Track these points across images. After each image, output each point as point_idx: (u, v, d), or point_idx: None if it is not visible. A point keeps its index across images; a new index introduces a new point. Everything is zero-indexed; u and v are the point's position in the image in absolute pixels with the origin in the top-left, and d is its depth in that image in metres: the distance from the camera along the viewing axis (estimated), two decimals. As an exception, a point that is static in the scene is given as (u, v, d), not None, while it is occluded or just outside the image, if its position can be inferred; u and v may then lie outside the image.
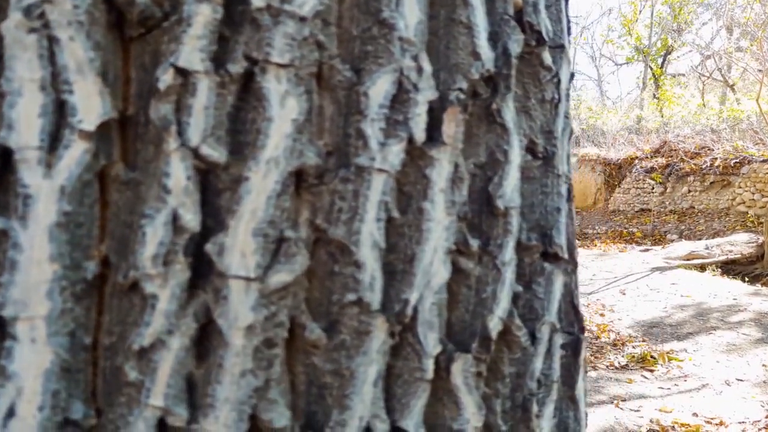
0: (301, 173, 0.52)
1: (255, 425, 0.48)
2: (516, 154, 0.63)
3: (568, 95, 0.74)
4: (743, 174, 11.93)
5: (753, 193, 11.66)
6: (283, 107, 0.50)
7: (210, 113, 0.49)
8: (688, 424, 4.20)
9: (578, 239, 13.10)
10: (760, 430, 4.16)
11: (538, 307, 0.64)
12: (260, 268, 0.49)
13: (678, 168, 13.17)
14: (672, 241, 11.53)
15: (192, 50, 0.49)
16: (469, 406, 0.56)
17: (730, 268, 9.28)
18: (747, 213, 11.61)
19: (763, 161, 11.57)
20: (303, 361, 0.51)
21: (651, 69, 21.91)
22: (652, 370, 5.27)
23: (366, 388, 0.51)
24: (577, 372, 0.69)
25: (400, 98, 0.56)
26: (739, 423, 4.27)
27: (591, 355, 5.60)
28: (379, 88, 0.54)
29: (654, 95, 20.29)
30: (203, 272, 0.49)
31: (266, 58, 0.50)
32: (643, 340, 6.01)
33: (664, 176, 13.38)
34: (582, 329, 0.71)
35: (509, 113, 0.63)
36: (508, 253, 0.61)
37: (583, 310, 7.12)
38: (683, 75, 23.08)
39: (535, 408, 0.61)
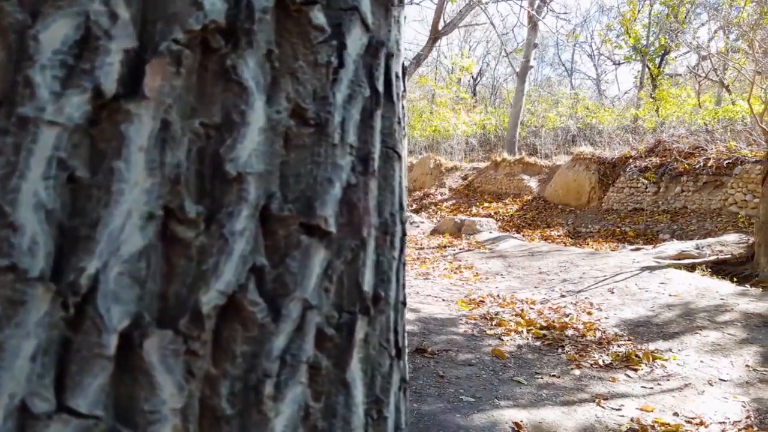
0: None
1: None
2: (258, 116, 0.58)
3: (365, 63, 0.69)
4: (735, 174, 11.84)
5: (745, 194, 11.56)
6: None
7: None
8: (669, 424, 4.13)
9: (570, 237, 13.01)
10: (740, 430, 4.10)
11: (289, 282, 0.59)
12: None
13: (671, 168, 13.07)
14: (664, 240, 11.44)
15: None
16: (166, 387, 0.51)
17: (720, 268, 9.18)
18: (739, 213, 11.51)
19: (755, 162, 11.46)
20: (-54, 333, 0.46)
21: (648, 68, 21.78)
22: (636, 369, 5.20)
23: (20, 364, 0.46)
24: (349, 354, 0.63)
25: (88, 46, 0.50)
26: (720, 423, 4.20)
27: (575, 354, 5.52)
28: (54, 33, 0.49)
29: (651, 95, 20.16)
30: None
31: None
32: (629, 339, 5.93)
33: (658, 176, 13.28)
34: (365, 309, 0.66)
35: (249, 71, 0.58)
36: (240, 223, 0.56)
37: (570, 308, 7.03)
38: (680, 75, 22.97)
39: (269, 390, 0.56)
